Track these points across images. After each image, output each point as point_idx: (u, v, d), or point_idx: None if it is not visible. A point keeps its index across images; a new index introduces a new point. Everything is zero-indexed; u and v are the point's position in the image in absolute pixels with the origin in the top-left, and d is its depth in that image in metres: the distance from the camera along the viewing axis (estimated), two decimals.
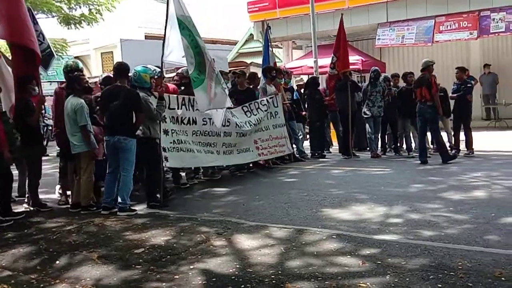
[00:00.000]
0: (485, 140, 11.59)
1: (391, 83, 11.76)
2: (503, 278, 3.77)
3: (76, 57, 24.97)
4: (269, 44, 11.97)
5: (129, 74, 7.10)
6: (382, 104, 11.31)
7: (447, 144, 10.70)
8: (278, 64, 14.09)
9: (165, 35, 7.04)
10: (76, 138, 6.80)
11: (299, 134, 11.63)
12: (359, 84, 12.53)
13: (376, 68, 11.88)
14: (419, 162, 10.04)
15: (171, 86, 8.79)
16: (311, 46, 14.97)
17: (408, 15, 15.92)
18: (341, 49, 11.56)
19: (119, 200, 6.67)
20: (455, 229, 5.21)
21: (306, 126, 12.37)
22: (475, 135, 11.17)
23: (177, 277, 4.20)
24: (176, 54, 7.08)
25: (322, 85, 13.53)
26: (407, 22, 16.10)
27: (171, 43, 7.05)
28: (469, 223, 5.40)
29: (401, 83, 11.97)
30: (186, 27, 6.89)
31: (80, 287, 4.13)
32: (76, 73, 7.24)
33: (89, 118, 6.82)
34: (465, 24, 15.15)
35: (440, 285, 3.70)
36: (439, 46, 16.97)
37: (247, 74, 11.00)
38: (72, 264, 4.73)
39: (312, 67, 14.61)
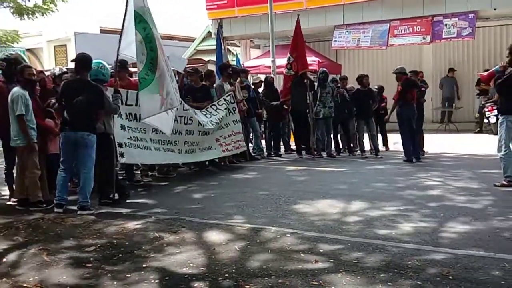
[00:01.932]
0: (437, 143, 11.93)
1: (339, 84, 11.96)
2: (450, 277, 3.87)
3: (28, 50, 24.32)
4: (221, 43, 11.99)
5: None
6: (333, 104, 11.47)
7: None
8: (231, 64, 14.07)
9: (123, 27, 6.91)
10: (14, 131, 6.51)
11: (255, 133, 11.69)
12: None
13: (324, 69, 12.01)
14: (366, 161, 10.25)
15: (135, 80, 8.61)
16: (269, 46, 15.04)
17: (364, 18, 16.19)
18: (298, 49, 11.63)
19: (81, 198, 6.47)
20: (406, 228, 5.34)
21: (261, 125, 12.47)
22: (426, 137, 11.51)
23: (129, 275, 4.13)
24: (132, 48, 6.93)
25: (279, 85, 13.59)
26: (363, 25, 16.36)
27: (129, 36, 6.90)
28: (419, 223, 5.54)
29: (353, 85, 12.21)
30: (143, 20, 6.69)
31: (27, 286, 4.00)
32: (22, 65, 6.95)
33: (46, 112, 6.58)
34: (418, 28, 15.53)
35: (390, 283, 3.78)
36: (394, 50, 17.34)
37: (204, 72, 10.95)
38: (19, 262, 4.57)
39: (269, 67, 14.68)
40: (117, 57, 7.09)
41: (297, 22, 11.88)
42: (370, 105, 11.58)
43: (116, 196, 7.02)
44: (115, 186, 7.02)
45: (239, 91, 10.83)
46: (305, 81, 11.38)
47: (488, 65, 15.00)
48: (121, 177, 8.20)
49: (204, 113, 9.46)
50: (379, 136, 12.21)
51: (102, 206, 6.77)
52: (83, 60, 6.59)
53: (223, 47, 12.05)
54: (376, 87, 12.37)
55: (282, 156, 11.92)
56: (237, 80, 11.08)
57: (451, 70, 17.11)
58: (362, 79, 11.64)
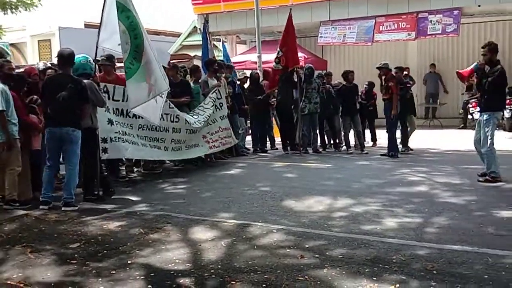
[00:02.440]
0: (421, 139, 12.02)
1: (325, 80, 11.98)
2: (434, 272, 3.91)
3: (12, 44, 23.98)
4: (207, 38, 11.96)
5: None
6: (318, 100, 11.48)
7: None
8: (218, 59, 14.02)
9: (101, 19, 6.86)
10: None
11: (241, 129, 11.65)
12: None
13: (310, 65, 12.02)
14: (351, 156, 10.30)
15: (122, 75, 8.56)
16: (255, 41, 15.02)
17: (350, 14, 16.23)
18: (289, 44, 11.54)
19: (65, 194, 6.40)
20: (391, 223, 5.38)
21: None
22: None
23: (114, 272, 4.11)
24: (112, 41, 6.88)
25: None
26: (348, 21, 16.41)
27: (108, 28, 6.86)
28: (404, 218, 5.59)
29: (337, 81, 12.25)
30: (126, 8, 6.64)
31: (12, 283, 3.96)
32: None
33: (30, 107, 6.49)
34: (403, 25, 15.61)
35: (375, 278, 3.81)
36: (379, 46, 17.42)
37: (190, 67, 10.92)
38: (3, 260, 4.52)
39: (255, 62, 14.65)
40: (96, 50, 7.05)
41: (289, 16, 11.77)
42: (355, 101, 11.63)
43: (101, 192, 6.98)
44: (100, 182, 6.98)
45: (225, 86, 10.79)
46: (294, 78, 11.33)
47: (473, 61, 15.11)
48: (106, 173, 8.14)
49: (192, 114, 9.43)
50: (367, 132, 12.30)
51: (87, 202, 6.73)
52: (65, 56, 6.54)
53: (209, 42, 12.00)
54: (366, 83, 12.42)
55: (268, 152, 11.92)
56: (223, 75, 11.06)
57: (432, 65, 17.22)
58: (347, 75, 11.67)
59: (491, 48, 7.54)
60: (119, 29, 6.62)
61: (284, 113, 11.71)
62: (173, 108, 8.73)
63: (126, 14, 6.65)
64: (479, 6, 14.91)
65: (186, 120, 9.00)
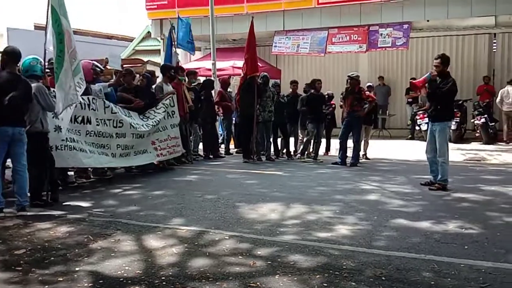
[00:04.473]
0: (372, 149, 12.28)
1: (280, 89, 12.15)
2: (383, 278, 3.99)
3: None
4: (172, 43, 11.95)
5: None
6: (273, 109, 11.57)
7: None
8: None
9: (47, 21, 6.74)
10: None
11: (194, 135, 11.64)
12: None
13: (265, 73, 12.11)
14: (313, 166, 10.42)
15: None
16: (210, 49, 15.00)
17: (304, 25, 16.48)
18: (250, 52, 11.60)
19: (21, 198, 6.21)
20: (342, 231, 5.45)
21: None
22: (362, 143, 11.82)
23: (61, 279, 3.98)
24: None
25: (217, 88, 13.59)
26: (302, 32, 16.66)
27: (49, 31, 6.75)
28: (355, 225, 5.67)
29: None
30: (55, 11, 6.57)
31: None
32: None
33: None
34: (355, 37, 16.00)
35: (326, 285, 3.84)
36: (331, 57, 17.73)
37: (143, 72, 10.82)
38: None
39: (210, 69, 14.63)
40: (45, 52, 6.89)
41: (251, 24, 11.85)
42: (321, 109, 11.76)
43: (48, 198, 6.78)
44: (49, 186, 6.79)
45: (186, 92, 10.81)
46: (255, 85, 11.35)
47: (421, 74, 15.61)
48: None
49: (141, 117, 9.31)
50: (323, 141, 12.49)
51: (34, 208, 6.50)
52: (12, 53, 6.35)
53: (173, 47, 11.99)
54: (329, 93, 12.63)
55: (222, 159, 11.89)
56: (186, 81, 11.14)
57: (381, 78, 17.61)
58: (315, 83, 11.65)
59: (443, 60, 7.86)
60: (52, 32, 6.61)
61: (247, 122, 11.58)
62: (115, 113, 8.59)
63: (55, 17, 6.59)
64: (428, 21, 15.50)
65: (131, 124, 8.86)
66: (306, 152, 11.85)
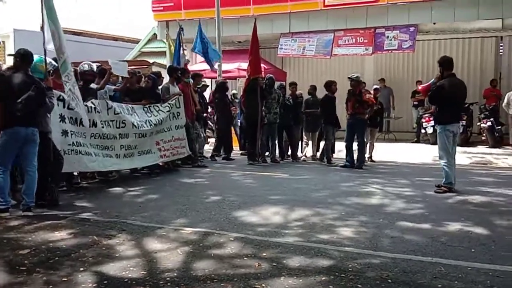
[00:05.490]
0: (377, 152, 12.24)
1: (285, 91, 12.12)
2: (389, 280, 3.96)
3: None
4: (181, 45, 12.00)
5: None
6: (278, 111, 11.55)
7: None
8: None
9: (43, 20, 6.81)
10: None
11: (201, 137, 11.67)
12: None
13: (271, 75, 12.10)
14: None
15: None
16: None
17: (310, 27, 16.45)
18: (253, 54, 11.63)
19: (28, 199, 6.21)
20: (347, 233, 5.42)
21: (207, 130, 12.50)
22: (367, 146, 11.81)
23: (65, 279, 3.97)
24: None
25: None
26: (308, 34, 16.63)
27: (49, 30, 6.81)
28: (360, 228, 5.65)
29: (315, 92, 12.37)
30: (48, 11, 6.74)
31: None
32: None
33: None
34: (361, 39, 15.93)
35: (331, 286, 3.82)
36: (337, 59, 17.69)
37: (149, 73, 10.85)
38: None
39: (215, 71, 14.63)
40: (45, 52, 6.90)
41: (254, 26, 11.88)
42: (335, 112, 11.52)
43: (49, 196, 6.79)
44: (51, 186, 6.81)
45: (193, 95, 10.86)
46: (258, 87, 11.34)
47: (427, 77, 15.58)
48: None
49: (145, 110, 9.31)
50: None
51: (38, 208, 6.50)
52: (25, 55, 6.38)
53: (182, 49, 12.05)
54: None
55: (228, 160, 11.89)
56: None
57: (382, 80, 17.40)
58: (331, 85, 11.41)
59: (440, 63, 7.87)
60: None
61: (252, 124, 11.57)
62: (118, 113, 8.60)
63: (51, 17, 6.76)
64: (434, 23, 15.42)
65: (133, 124, 8.85)
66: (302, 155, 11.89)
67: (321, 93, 12.00)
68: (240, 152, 13.20)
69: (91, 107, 8.04)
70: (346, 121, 11.08)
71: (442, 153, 7.84)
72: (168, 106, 9.72)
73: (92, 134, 8.09)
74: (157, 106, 9.56)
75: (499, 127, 14.69)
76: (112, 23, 23.99)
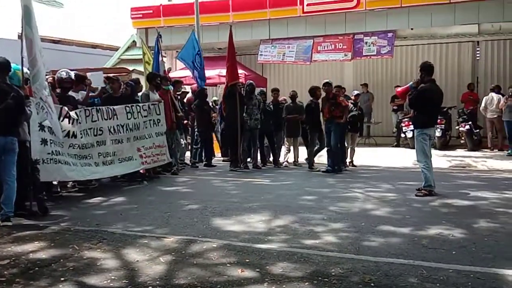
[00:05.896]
0: (357, 156, 12.31)
1: (266, 97, 12.16)
2: (372, 284, 3.98)
3: None
4: (160, 52, 11.96)
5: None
6: (259, 116, 11.56)
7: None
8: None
9: (22, 28, 6.72)
10: None
11: (182, 144, 11.60)
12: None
13: (251, 81, 12.13)
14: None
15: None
16: None
17: (289, 33, 16.54)
18: (230, 60, 11.67)
19: (7, 209, 6.11)
20: (329, 237, 5.44)
21: (188, 136, 12.45)
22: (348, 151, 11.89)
23: None
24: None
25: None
26: (288, 40, 16.71)
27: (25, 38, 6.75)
28: (342, 232, 5.66)
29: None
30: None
31: None
32: None
33: None
34: (340, 45, 16.06)
35: None
36: (317, 65, 17.79)
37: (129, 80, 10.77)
38: None
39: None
40: (22, 60, 6.81)
41: (230, 33, 11.92)
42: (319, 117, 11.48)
43: (35, 208, 6.68)
44: (33, 197, 6.69)
45: (174, 101, 10.81)
46: (237, 93, 11.34)
47: (405, 81, 15.69)
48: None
49: (128, 110, 9.22)
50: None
51: (18, 218, 6.39)
52: (2, 63, 6.32)
53: (160, 56, 12.01)
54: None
55: (209, 167, 11.85)
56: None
57: (364, 85, 17.54)
58: (315, 91, 11.31)
59: (421, 68, 8.01)
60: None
61: (232, 130, 11.56)
62: (96, 121, 8.52)
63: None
64: (412, 29, 15.62)
65: (109, 130, 8.77)
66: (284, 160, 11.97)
67: (303, 98, 12.07)
68: (222, 158, 13.16)
69: (74, 119, 7.98)
70: (324, 126, 11.10)
71: (420, 157, 7.96)
72: (147, 110, 9.60)
73: (71, 144, 7.98)
74: (139, 106, 9.47)
75: (477, 131, 14.93)
76: (90, 30, 23.78)
